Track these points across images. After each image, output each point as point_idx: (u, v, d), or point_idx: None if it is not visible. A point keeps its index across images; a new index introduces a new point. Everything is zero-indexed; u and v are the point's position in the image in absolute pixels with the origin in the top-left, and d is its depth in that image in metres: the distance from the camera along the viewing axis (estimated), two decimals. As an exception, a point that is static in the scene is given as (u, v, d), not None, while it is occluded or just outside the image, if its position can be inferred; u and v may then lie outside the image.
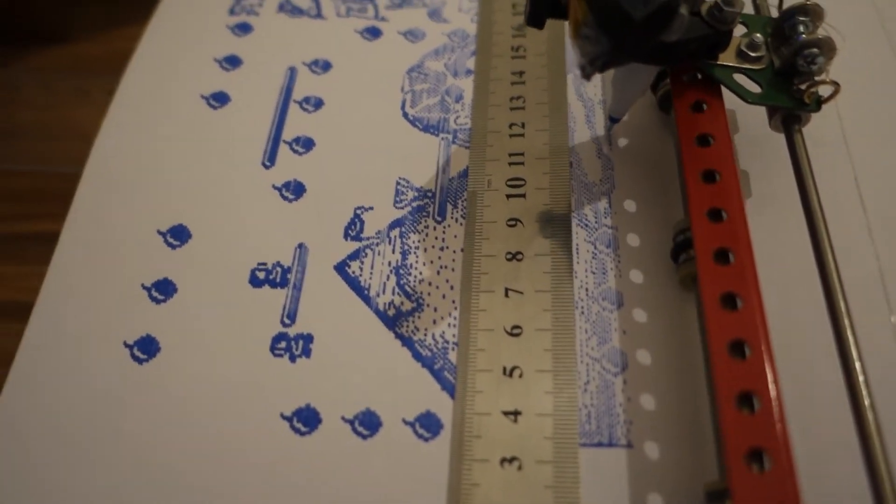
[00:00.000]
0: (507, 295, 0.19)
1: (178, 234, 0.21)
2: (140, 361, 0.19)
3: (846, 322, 0.16)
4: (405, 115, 0.23)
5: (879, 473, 0.14)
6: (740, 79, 0.19)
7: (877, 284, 0.18)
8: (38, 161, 0.24)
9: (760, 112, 0.19)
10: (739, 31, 0.19)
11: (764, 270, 0.16)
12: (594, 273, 0.19)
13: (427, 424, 0.17)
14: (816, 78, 0.18)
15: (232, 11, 0.26)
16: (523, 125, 0.22)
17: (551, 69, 0.23)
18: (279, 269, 0.20)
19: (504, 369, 0.18)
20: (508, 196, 0.21)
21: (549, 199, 0.20)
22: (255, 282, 0.20)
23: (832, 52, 0.18)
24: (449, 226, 0.20)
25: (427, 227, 0.20)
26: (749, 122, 0.21)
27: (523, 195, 0.20)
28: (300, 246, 0.20)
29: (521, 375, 0.18)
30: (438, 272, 0.20)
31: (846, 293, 0.16)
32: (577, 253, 0.19)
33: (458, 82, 0.23)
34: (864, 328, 0.16)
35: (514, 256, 0.19)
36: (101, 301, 0.19)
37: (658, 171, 0.21)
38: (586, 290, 0.19)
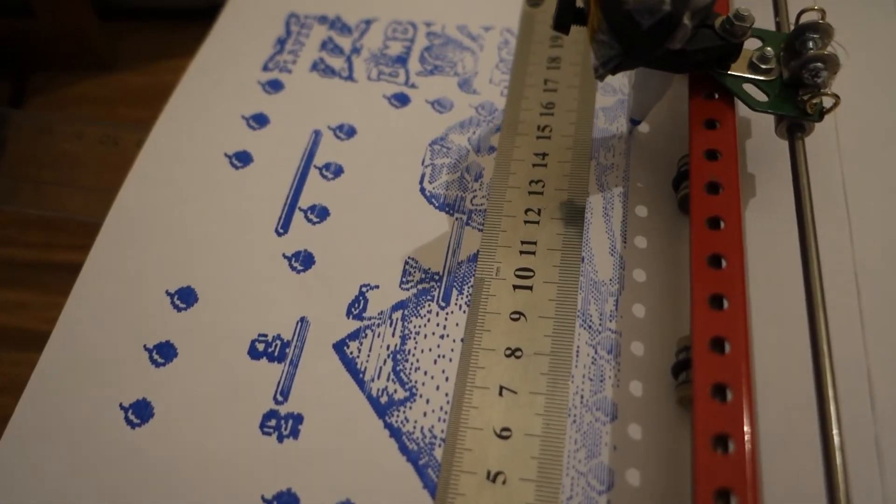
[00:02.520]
0: (500, 393, 0.19)
1: (186, 297, 0.21)
2: (133, 426, 0.19)
3: (822, 330, 0.17)
4: (422, 190, 0.23)
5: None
6: (750, 88, 0.20)
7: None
8: (62, 209, 0.25)
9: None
10: (755, 44, 0.21)
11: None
12: (591, 380, 0.19)
13: (405, 523, 0.18)
14: (818, 91, 0.19)
15: (266, 67, 0.27)
16: (539, 211, 0.22)
17: (576, 152, 0.23)
18: (279, 342, 0.20)
19: (488, 473, 0.18)
20: (515, 287, 0.21)
21: (556, 294, 0.21)
22: (254, 353, 0.20)
23: (836, 67, 0.20)
24: (452, 312, 0.21)
25: (430, 311, 0.21)
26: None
27: (530, 287, 0.21)
28: (302, 320, 0.21)
29: (504, 482, 0.18)
30: (435, 361, 0.20)
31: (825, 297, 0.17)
32: (577, 356, 0.20)
33: (479, 159, 0.24)
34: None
35: (514, 353, 0.20)
36: (104, 358, 0.20)
37: (672, 276, 0.21)
38: (581, 397, 0.19)
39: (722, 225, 0.18)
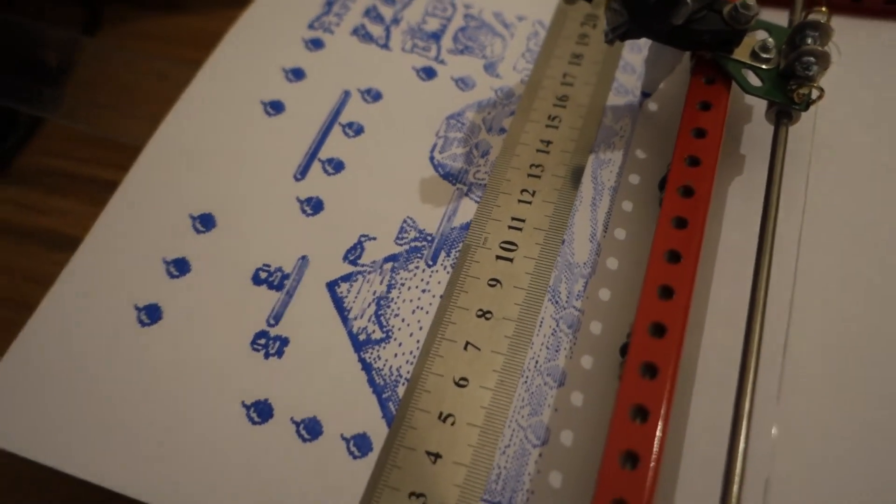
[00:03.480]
0: (465, 348, 0.21)
1: (206, 222, 0.24)
2: (143, 325, 0.22)
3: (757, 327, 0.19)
4: (432, 158, 0.26)
5: None
6: (747, 74, 0.23)
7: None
8: (112, 131, 0.28)
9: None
10: (762, 35, 0.23)
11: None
12: (548, 349, 0.21)
13: (360, 444, 0.20)
14: (807, 83, 0.22)
15: (311, 25, 0.29)
16: (534, 193, 0.24)
17: (579, 144, 0.25)
18: (279, 273, 0.23)
19: (440, 414, 0.20)
20: (498, 257, 0.23)
21: (533, 268, 0.23)
22: (256, 280, 0.23)
23: (826, 63, 0.22)
24: (437, 271, 0.23)
25: (417, 267, 0.23)
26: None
27: (511, 260, 0.23)
28: (303, 258, 0.23)
29: (453, 423, 0.20)
30: (413, 311, 0.22)
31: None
32: (541, 326, 0.22)
33: (489, 138, 0.26)
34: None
35: (485, 314, 0.22)
36: (126, 264, 0.23)
37: (641, 269, 0.23)
38: (536, 362, 0.21)
39: (693, 194, 0.21)
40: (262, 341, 0.22)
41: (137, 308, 0.23)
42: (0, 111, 0.31)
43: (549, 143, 0.26)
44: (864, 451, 0.19)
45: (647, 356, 0.18)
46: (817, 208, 0.23)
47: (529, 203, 0.24)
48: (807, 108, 0.22)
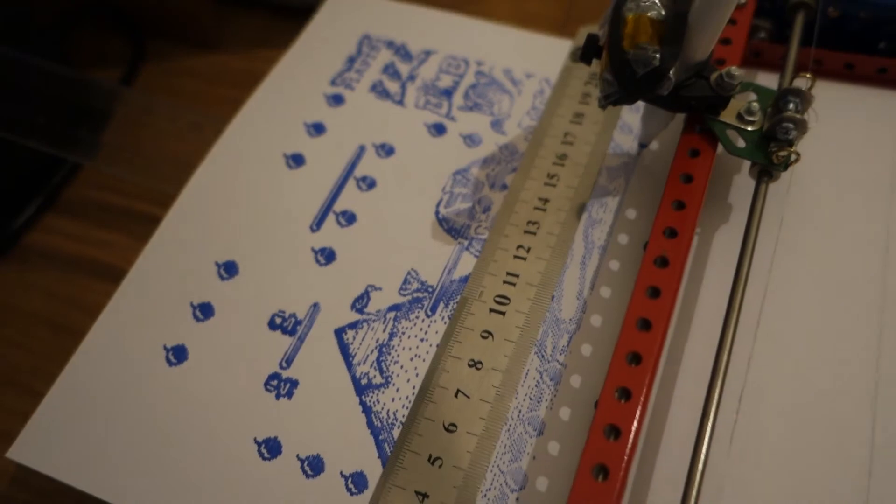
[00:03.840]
0: (456, 395, 0.24)
1: (230, 269, 0.27)
2: (171, 364, 0.25)
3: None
4: (437, 212, 0.28)
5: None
6: (732, 134, 0.25)
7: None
8: (150, 179, 0.31)
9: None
10: (750, 97, 0.25)
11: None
12: (531, 399, 0.23)
13: (357, 482, 0.23)
14: (787, 146, 0.24)
15: (333, 82, 0.32)
16: (529, 249, 0.26)
17: (573, 203, 0.27)
18: (293, 319, 0.26)
19: (430, 457, 0.23)
20: (491, 310, 0.25)
21: (524, 323, 0.25)
22: (272, 325, 0.26)
23: (804, 129, 0.24)
24: (435, 321, 0.25)
25: (418, 317, 0.26)
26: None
27: (503, 313, 0.25)
28: (315, 305, 0.26)
29: (440, 466, 0.22)
30: (412, 359, 0.25)
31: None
32: (525, 377, 0.24)
33: (491, 194, 0.28)
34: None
35: (475, 364, 0.24)
36: (158, 306, 0.26)
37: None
38: (519, 411, 0.23)
39: (677, 235, 0.23)
40: (275, 383, 0.24)
41: (166, 348, 0.25)
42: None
43: (546, 200, 0.27)
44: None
45: (613, 419, 0.20)
46: (785, 266, 0.25)
47: (524, 259, 0.26)
48: (786, 168, 0.24)
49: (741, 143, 0.25)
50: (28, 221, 0.36)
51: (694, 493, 0.19)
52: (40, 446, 0.24)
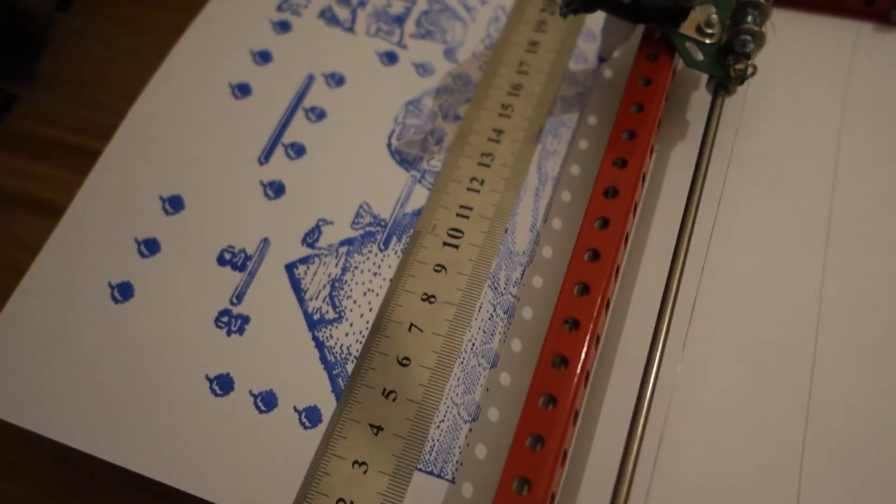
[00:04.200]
0: (409, 329, 0.24)
1: (175, 203, 0.26)
2: (116, 302, 0.24)
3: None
4: (389, 144, 0.27)
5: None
6: (691, 48, 0.25)
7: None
8: (89, 110, 0.30)
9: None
10: (710, 9, 0.25)
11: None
12: (485, 332, 0.24)
13: (311, 416, 0.23)
14: (744, 59, 0.24)
15: (279, 7, 0.30)
16: (482, 182, 0.26)
17: (528, 134, 0.27)
18: (243, 255, 0.25)
19: (384, 390, 0.23)
20: (444, 244, 0.25)
21: (477, 256, 0.25)
22: (221, 261, 0.25)
23: (762, 41, 0.24)
24: (388, 256, 0.25)
25: (371, 251, 0.25)
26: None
27: (457, 247, 0.25)
28: (265, 240, 0.25)
29: (394, 399, 0.22)
30: (364, 294, 0.24)
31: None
32: (479, 310, 0.24)
33: (444, 125, 0.28)
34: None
35: (429, 298, 0.24)
36: (102, 242, 0.25)
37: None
38: (472, 344, 0.23)
39: (627, 164, 0.23)
40: (225, 319, 0.24)
41: (111, 285, 0.25)
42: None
43: (500, 132, 0.27)
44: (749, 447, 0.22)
45: (561, 349, 0.20)
46: (737, 186, 0.26)
47: (478, 192, 0.26)
48: (742, 82, 0.24)
49: (700, 57, 0.25)
50: (-38, 156, 0.34)
51: (643, 411, 0.20)
52: (-18, 387, 0.23)
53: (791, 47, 0.28)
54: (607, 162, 0.23)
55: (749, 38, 0.24)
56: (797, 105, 0.27)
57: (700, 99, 0.27)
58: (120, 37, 0.30)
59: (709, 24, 0.25)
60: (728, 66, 0.24)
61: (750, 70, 0.24)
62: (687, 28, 0.25)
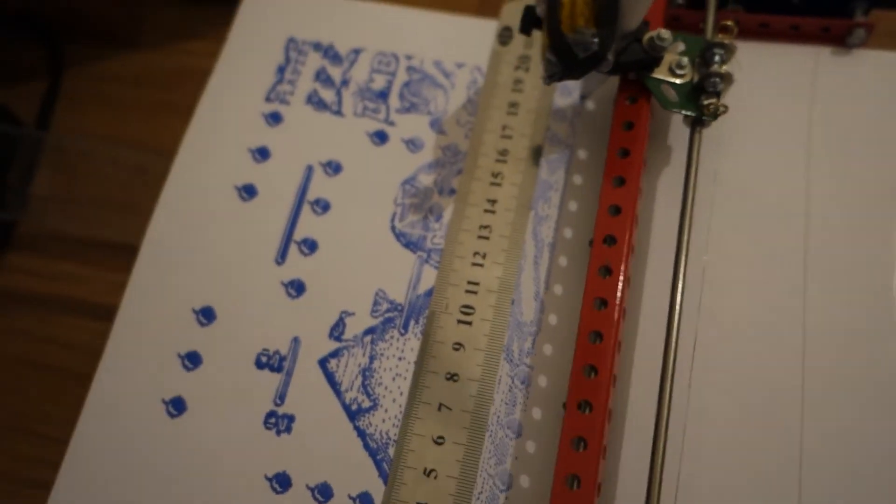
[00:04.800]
0: (439, 409, 0.26)
1: (207, 315, 0.28)
2: (172, 416, 0.27)
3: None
4: (393, 228, 0.29)
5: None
6: (665, 87, 0.27)
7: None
8: (100, 229, 0.31)
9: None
10: (678, 48, 0.27)
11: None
12: (507, 404, 0.26)
13: (365, 502, 0.26)
14: (715, 99, 0.26)
15: (268, 97, 0.32)
16: (485, 255, 0.28)
17: (520, 201, 0.29)
18: (277, 356, 0.28)
19: (425, 470, 0.25)
20: (458, 321, 0.27)
21: (490, 330, 0.27)
22: (259, 364, 0.28)
23: (730, 81, 0.26)
24: (409, 339, 0.28)
25: (392, 337, 0.28)
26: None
27: (470, 323, 0.27)
28: (295, 339, 0.28)
29: (435, 477, 0.25)
30: (394, 379, 0.27)
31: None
32: (499, 384, 0.26)
33: (441, 200, 0.29)
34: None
35: (452, 377, 0.27)
36: (148, 361, 0.28)
37: (577, 324, 0.27)
38: (497, 417, 0.26)
39: (621, 212, 0.26)
40: (273, 420, 0.27)
41: (164, 402, 0.27)
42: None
43: (494, 201, 0.29)
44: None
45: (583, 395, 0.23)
46: (723, 214, 0.28)
47: (482, 266, 0.28)
48: (715, 118, 0.26)
49: (674, 97, 0.27)
50: (-12, 264, 0.36)
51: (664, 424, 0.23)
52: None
53: (757, 73, 0.29)
54: (602, 210, 0.26)
55: (718, 79, 0.26)
56: (767, 127, 0.29)
57: (678, 122, 0.29)
58: (122, 153, 0.31)
59: (679, 66, 0.27)
60: (701, 106, 0.26)
61: (721, 109, 0.26)
62: (660, 71, 0.27)
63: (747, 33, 0.30)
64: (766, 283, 0.27)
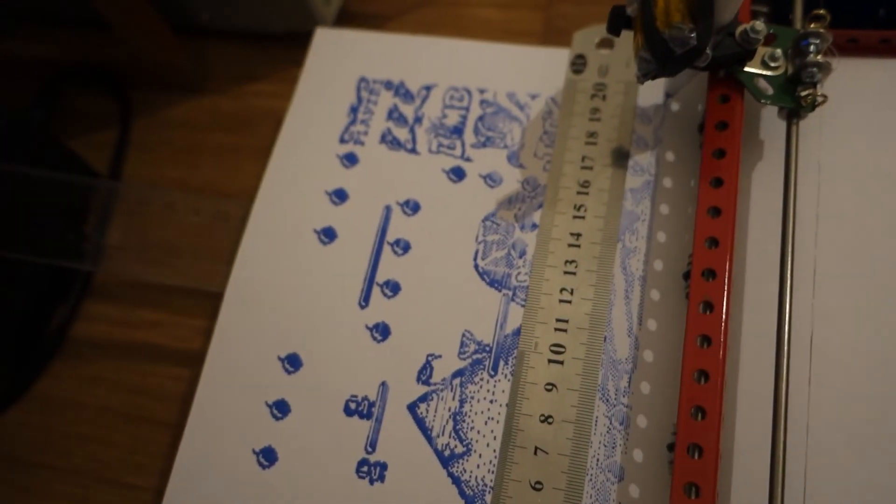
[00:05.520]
0: (535, 453, 0.26)
1: (293, 362, 0.28)
2: (263, 467, 0.27)
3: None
4: (476, 266, 0.29)
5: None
6: (759, 81, 0.26)
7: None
8: (180, 277, 0.32)
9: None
10: (771, 39, 0.26)
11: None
12: (605, 446, 0.25)
13: (463, 551, 0.25)
14: (812, 89, 0.26)
15: (342, 139, 0.32)
16: (572, 291, 0.28)
17: (605, 234, 0.28)
18: (366, 402, 0.27)
19: (524, 517, 0.25)
20: (549, 361, 0.27)
21: (582, 369, 0.26)
22: (348, 411, 0.27)
23: (828, 72, 0.26)
24: (499, 381, 0.27)
25: (482, 379, 0.27)
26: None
27: (562, 363, 0.27)
28: (383, 384, 0.27)
29: (536, 525, 0.25)
30: (486, 423, 0.26)
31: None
32: (596, 425, 0.26)
33: (523, 236, 0.29)
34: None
35: (546, 419, 0.26)
36: (236, 411, 0.28)
37: (674, 358, 0.26)
38: (597, 460, 0.25)
39: (721, 213, 0.25)
40: (365, 469, 0.26)
41: (255, 452, 0.27)
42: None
43: (578, 235, 0.28)
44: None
45: (693, 437, 0.22)
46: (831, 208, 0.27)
47: (570, 302, 0.27)
48: (813, 109, 0.26)
49: (769, 90, 0.26)
50: (71, 314, 0.36)
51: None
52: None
53: (851, 87, 0.28)
54: (702, 211, 0.25)
55: (816, 69, 0.25)
56: (879, 109, 0.28)
57: (768, 115, 0.29)
58: (202, 202, 0.32)
59: (773, 57, 0.26)
60: (798, 98, 0.26)
61: (820, 99, 0.25)
62: (752, 65, 0.26)
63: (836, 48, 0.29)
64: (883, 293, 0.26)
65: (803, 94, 0.25)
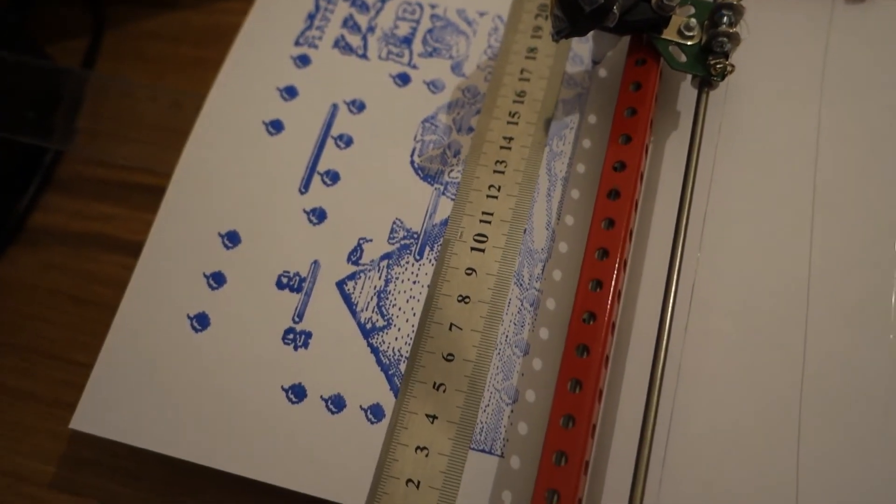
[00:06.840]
0: (450, 328, 0.27)
1: (232, 238, 0.30)
2: (196, 331, 0.29)
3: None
4: (412, 162, 0.31)
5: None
6: (674, 49, 0.28)
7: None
8: (139, 161, 0.34)
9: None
10: (689, 10, 0.28)
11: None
12: (515, 325, 0.27)
13: (375, 412, 0.27)
14: (722, 59, 0.27)
15: (297, 42, 0.34)
16: (499, 188, 0.29)
17: (535, 139, 0.30)
18: (297, 277, 0.29)
19: (434, 384, 0.27)
20: (472, 248, 0.29)
21: (502, 257, 0.28)
22: (279, 285, 0.29)
23: (738, 42, 0.27)
24: (423, 265, 0.29)
25: (408, 262, 0.29)
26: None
27: (483, 250, 0.28)
28: (315, 262, 0.29)
29: (444, 391, 0.27)
30: (408, 301, 0.28)
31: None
32: (509, 305, 0.28)
33: (459, 138, 0.31)
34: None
35: (464, 299, 0.28)
36: (175, 277, 0.29)
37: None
38: (506, 336, 0.27)
39: (625, 167, 0.26)
40: (291, 336, 0.28)
41: (190, 317, 0.29)
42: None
43: (510, 139, 0.30)
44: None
45: (582, 340, 0.24)
46: (725, 169, 0.29)
47: (496, 198, 0.29)
48: (723, 78, 0.27)
49: (682, 58, 0.28)
50: (30, 203, 0.38)
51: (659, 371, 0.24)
52: (97, 414, 0.28)
53: (769, 28, 0.30)
54: (608, 167, 0.27)
55: (726, 39, 0.27)
56: (778, 83, 0.30)
57: (687, 88, 0.30)
58: (159, 92, 0.33)
59: (688, 27, 0.28)
60: (709, 66, 0.27)
61: (729, 68, 0.27)
62: (669, 33, 0.28)
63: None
64: (771, 232, 0.28)
65: (713, 62, 0.27)
